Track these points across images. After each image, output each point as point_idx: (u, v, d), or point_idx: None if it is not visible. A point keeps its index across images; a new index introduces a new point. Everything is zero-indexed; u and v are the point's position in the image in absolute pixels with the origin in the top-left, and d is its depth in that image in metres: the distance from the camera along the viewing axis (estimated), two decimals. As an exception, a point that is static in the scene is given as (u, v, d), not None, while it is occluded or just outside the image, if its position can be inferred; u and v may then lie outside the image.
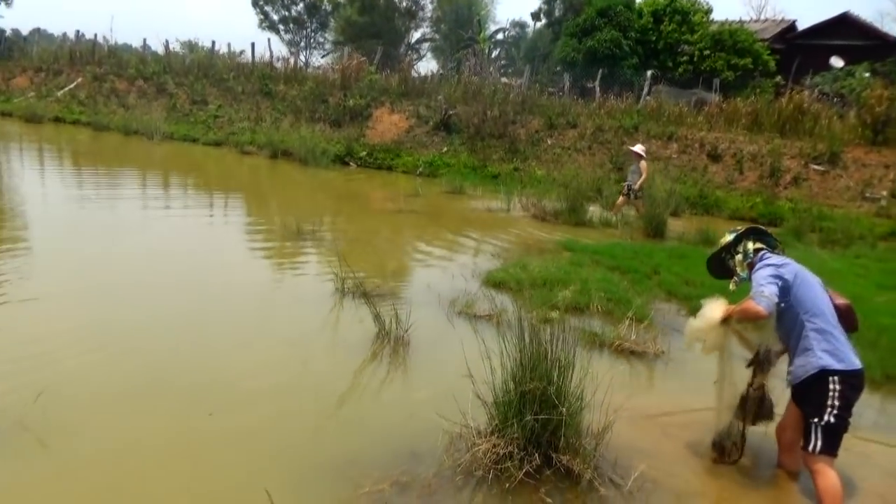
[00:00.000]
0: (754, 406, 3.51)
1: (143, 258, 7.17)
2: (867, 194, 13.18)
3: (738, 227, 3.80)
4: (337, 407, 4.07)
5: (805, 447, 3.27)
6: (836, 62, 24.18)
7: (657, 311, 6.22)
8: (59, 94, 23.86)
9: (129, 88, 23.23)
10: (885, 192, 13.08)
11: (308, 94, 20.00)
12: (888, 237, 11.20)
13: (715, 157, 14.96)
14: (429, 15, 43.58)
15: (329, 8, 43.60)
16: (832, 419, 3.18)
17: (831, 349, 3.23)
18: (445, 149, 17.27)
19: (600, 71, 22.40)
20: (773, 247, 3.65)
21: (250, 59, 23.84)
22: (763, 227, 3.75)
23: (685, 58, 25.87)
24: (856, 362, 3.24)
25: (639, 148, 11.47)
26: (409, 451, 3.51)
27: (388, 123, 18.52)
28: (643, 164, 11.18)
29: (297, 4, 44.28)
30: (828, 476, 3.16)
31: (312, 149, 16.05)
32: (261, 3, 44.15)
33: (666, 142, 15.70)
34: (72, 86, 24.15)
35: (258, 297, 6.18)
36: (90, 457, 3.31)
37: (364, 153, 17.11)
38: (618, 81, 23.77)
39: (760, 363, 3.48)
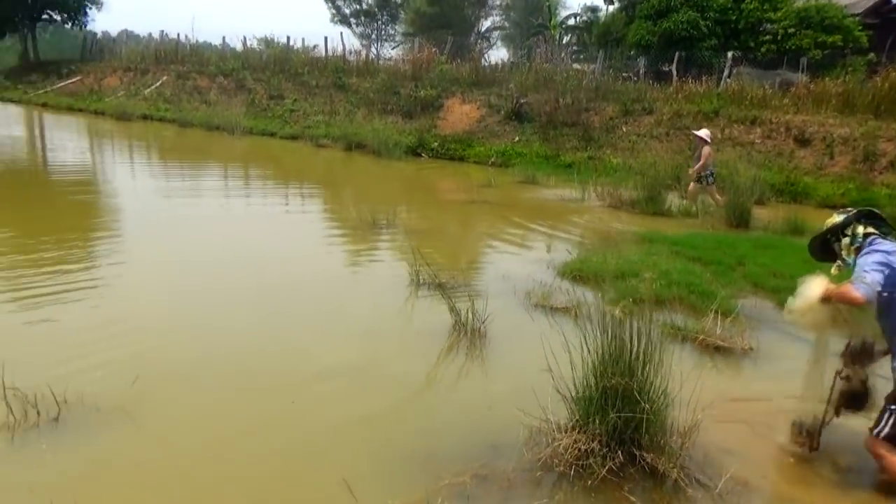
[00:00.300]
0: (840, 396, 3.35)
1: (225, 248, 7.45)
2: (975, 178, 12.21)
3: (850, 209, 3.55)
4: (415, 398, 4.10)
5: (872, 428, 3.19)
6: (939, 36, 22.47)
7: (743, 304, 5.96)
8: (146, 92, 25.04)
9: (211, 85, 24.13)
10: None
11: (380, 87, 20.21)
12: None
13: (802, 141, 14.18)
14: (498, 3, 43.25)
15: (399, 0, 43.90)
16: None
17: None
18: (517, 138, 17.10)
19: (677, 54, 21.61)
20: (885, 233, 3.37)
21: (324, 53, 24.31)
22: (877, 211, 3.49)
23: (768, 37, 24.56)
24: None
25: (703, 133, 11.02)
26: (489, 444, 3.49)
27: (459, 114, 18.49)
28: (706, 149, 10.73)
29: (368, -3, 44.85)
30: (886, 456, 3.10)
31: (385, 141, 16.24)
32: (333, -3, 44.94)
33: (749, 126, 15.00)
34: (157, 84, 25.30)
35: (334, 286, 6.30)
36: (180, 440, 3.47)
37: (436, 144, 17.16)
38: (696, 64, 22.86)
39: (852, 354, 3.33)
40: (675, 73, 20.41)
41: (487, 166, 15.43)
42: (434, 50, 22.19)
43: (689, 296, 6.00)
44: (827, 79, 16.68)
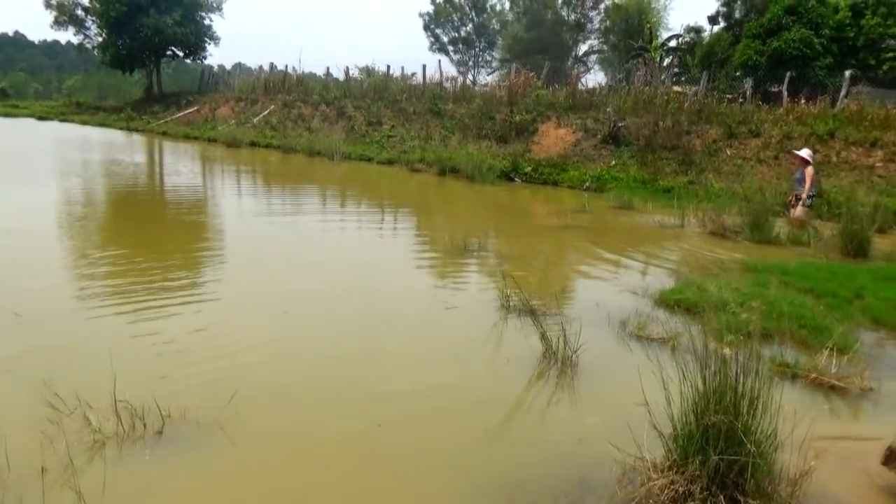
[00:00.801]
0: None
1: (321, 270, 7.67)
2: None
3: None
4: (502, 427, 4.00)
5: None
6: None
7: (863, 340, 5.47)
8: (255, 120, 26.50)
9: (314, 113, 25.24)
10: None
11: (475, 112, 20.42)
12: None
13: (931, 164, 13.06)
14: (597, 26, 42.89)
15: (497, 26, 44.44)
16: None
17: None
18: (614, 162, 16.74)
19: (788, 73, 20.54)
20: None
21: (421, 80, 24.90)
22: None
23: (891, 54, 22.97)
24: None
25: (805, 153, 10.37)
26: (578, 479, 3.34)
27: (554, 138, 18.35)
28: (809, 169, 10.10)
29: (466, 25, 45.69)
30: None
31: (479, 165, 16.34)
32: (432, 26, 46.10)
33: (869, 149, 13.98)
34: (265, 112, 26.73)
35: (424, 309, 6.31)
36: (272, 460, 3.52)
37: (529, 168, 17.08)
38: (808, 84, 21.66)
39: None
40: (785, 93, 19.38)
41: (582, 191, 15.18)
42: (531, 74, 22.21)
43: (799, 330, 5.57)
44: (959, 97, 15.34)
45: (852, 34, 23.72)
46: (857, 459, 3.60)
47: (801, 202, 10.12)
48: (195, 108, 30.80)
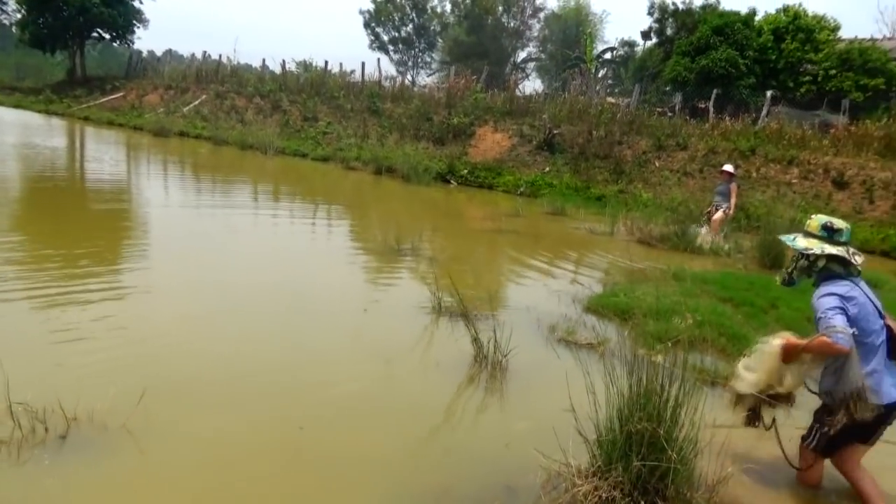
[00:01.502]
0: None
1: (247, 267, 7.42)
2: None
3: (828, 248, 3.40)
4: (429, 432, 3.94)
5: (803, 438, 3.53)
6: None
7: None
8: (185, 110, 25.58)
9: (248, 105, 24.58)
10: None
11: (413, 113, 20.37)
12: None
13: (841, 184, 13.85)
14: (535, 34, 43.64)
15: (437, 28, 44.53)
16: (832, 432, 3.34)
17: (870, 384, 3.23)
18: (548, 168, 17.01)
19: (714, 91, 21.41)
20: (841, 275, 3.38)
21: (360, 77, 24.64)
22: (849, 260, 3.38)
23: (808, 78, 24.27)
24: (890, 395, 3.24)
25: (730, 167, 10.92)
26: (504, 485, 3.32)
27: (490, 142, 18.50)
28: (734, 185, 10.68)
29: (406, 25, 45.57)
30: (810, 464, 3.49)
31: (415, 166, 16.29)
32: (372, 24, 45.76)
33: (786, 166, 14.72)
34: (196, 102, 25.85)
35: (353, 310, 6.19)
36: (185, 468, 3.35)
37: (465, 171, 17.15)
38: (732, 102, 22.64)
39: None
40: (711, 109, 20.20)
41: (516, 196, 15.36)
42: (472, 78, 22.32)
43: (718, 338, 5.76)
44: (868, 121, 16.34)
45: (774, 57, 24.93)
46: (774, 465, 3.73)
47: (725, 214, 10.61)
48: (121, 93, 29.45)
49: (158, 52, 44.90)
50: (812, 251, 3.41)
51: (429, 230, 11.11)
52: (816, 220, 3.50)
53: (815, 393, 3.54)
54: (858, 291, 3.31)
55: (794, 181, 14.34)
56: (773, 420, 3.61)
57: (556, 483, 3.26)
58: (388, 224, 11.01)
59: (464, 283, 7.40)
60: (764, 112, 18.60)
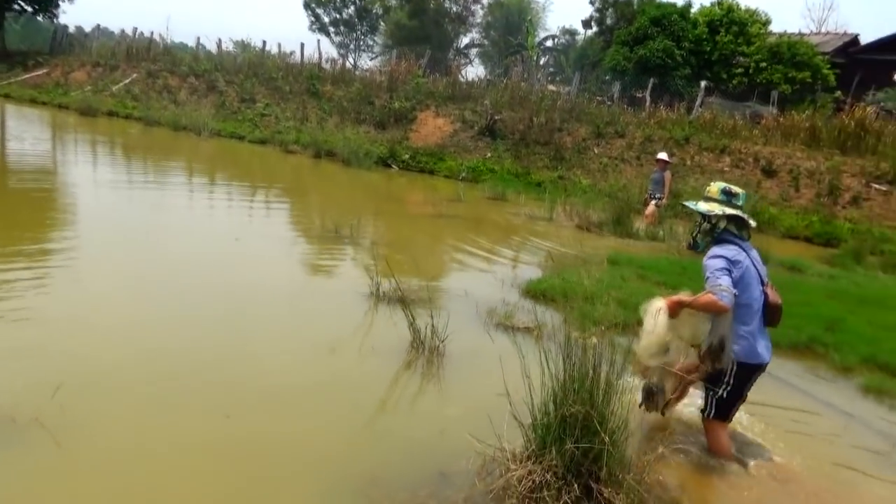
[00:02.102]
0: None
1: (179, 251, 7.15)
2: (933, 217, 12.46)
3: (728, 210, 3.64)
4: (364, 418, 3.86)
5: (702, 412, 3.75)
6: (901, 78, 23.16)
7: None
8: (115, 88, 24.43)
9: (181, 85, 23.66)
10: (952, 216, 12.34)
11: (354, 96, 20.03)
12: (956, 263, 10.53)
13: (769, 172, 14.38)
14: (478, 20, 43.58)
15: (379, 11, 43.90)
16: (725, 395, 3.59)
17: (746, 345, 3.52)
18: (489, 154, 17.04)
19: (651, 80, 21.86)
20: (739, 238, 3.64)
21: (299, 59, 24.05)
22: (745, 218, 3.67)
23: (740, 70, 25.09)
24: (762, 357, 3.57)
25: (665, 155, 11.18)
26: (438, 472, 3.28)
27: (432, 127, 18.39)
28: (668, 173, 10.95)
29: (347, 7, 44.74)
30: (718, 437, 3.68)
31: (356, 150, 16.03)
32: (312, 5, 44.73)
33: (718, 155, 15.18)
34: (127, 81, 24.72)
35: (290, 296, 6.04)
36: (102, 458, 3.18)
37: (407, 156, 17.00)
38: (669, 91, 23.17)
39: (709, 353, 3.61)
40: (648, 99, 20.63)
41: (458, 181, 15.32)
42: (416, 62, 22.07)
43: (653, 321, 5.88)
44: (795, 113, 17.01)
45: (708, 48, 25.64)
46: (704, 446, 3.81)
47: (657, 202, 10.87)
48: (45, 70, 27.84)
49: (87, 28, 42.55)
50: (714, 213, 3.62)
51: (369, 215, 10.95)
52: (716, 186, 3.74)
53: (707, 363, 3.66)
54: (745, 256, 3.55)
55: (726, 169, 14.79)
56: (667, 403, 3.82)
57: (490, 468, 3.24)
58: (328, 209, 10.82)
59: (403, 268, 7.31)
60: (698, 102, 19.09)
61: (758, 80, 24.23)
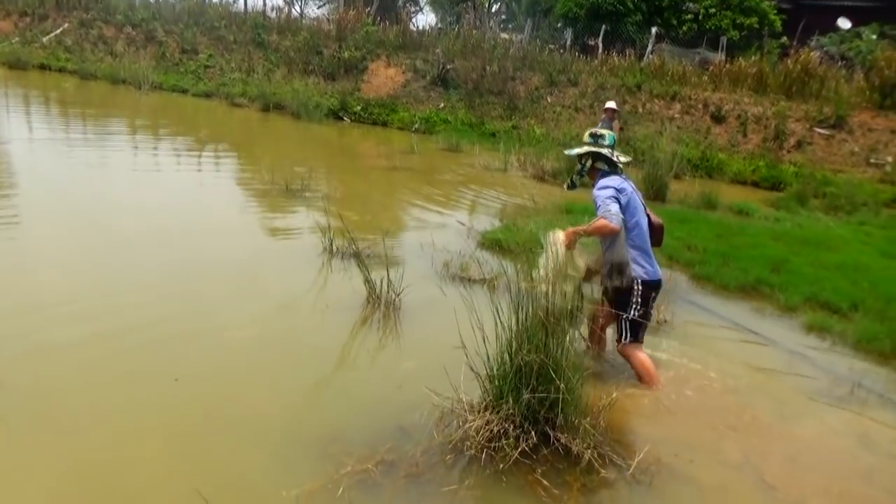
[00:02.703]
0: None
1: (127, 210, 6.89)
2: (872, 160, 12.85)
3: (594, 149, 4.01)
4: (320, 375, 3.84)
5: (618, 340, 3.96)
6: (844, 23, 23.49)
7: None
8: (45, 39, 23.08)
9: (117, 35, 22.49)
10: (890, 158, 12.74)
11: (302, 45, 19.36)
12: (892, 204, 10.94)
13: (718, 118, 14.57)
14: (428, -34, 42.28)
15: (325, -44, 42.23)
16: (636, 315, 3.84)
17: (643, 263, 3.89)
18: (442, 105, 16.80)
19: (603, 27, 21.72)
20: (608, 171, 4.02)
21: (243, 7, 23.06)
22: (607, 155, 4.00)
23: (690, 16, 25.06)
24: (657, 273, 3.96)
25: (613, 104, 11.06)
26: (396, 426, 3.29)
27: (384, 77, 17.98)
28: (616, 123, 10.86)
29: (291, -48, 42.87)
30: (638, 357, 3.90)
31: (305, 102, 15.59)
32: (254, -51, 42.71)
33: (669, 101, 15.28)
34: (58, 31, 23.36)
35: (242, 254, 5.91)
36: (50, 430, 3.08)
37: (359, 108, 16.63)
38: (621, 39, 23.07)
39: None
40: (600, 46, 20.51)
41: (411, 132, 15.11)
42: (366, 10, 21.37)
43: (605, 268, 5.96)
44: (742, 59, 17.16)
45: (659, -6, 25.53)
46: (656, 389, 3.91)
47: None
48: (-34, 20, 26.13)
49: (9, -26, 39.92)
50: (583, 153, 4.04)
51: (321, 169, 10.74)
52: (586, 132, 4.15)
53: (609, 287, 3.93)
54: (628, 185, 3.95)
55: (676, 116, 14.93)
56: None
57: (448, 420, 3.27)
58: (278, 164, 10.54)
59: (358, 222, 7.22)
60: (649, 49, 19.08)
61: (707, 27, 24.27)
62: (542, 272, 3.89)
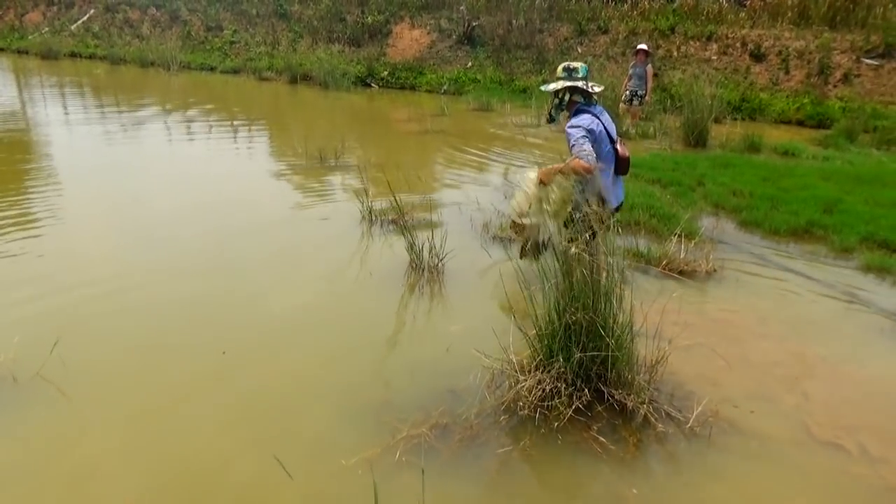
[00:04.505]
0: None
1: (167, 186, 7.03)
2: (926, 88, 12.21)
3: (569, 83, 4.12)
4: (368, 343, 3.84)
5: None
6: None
7: (705, 225, 5.83)
8: (73, 27, 23.37)
9: (142, 18, 22.62)
10: (945, 86, 12.10)
11: (324, 13, 19.17)
12: (949, 134, 10.41)
13: (758, 56, 13.96)
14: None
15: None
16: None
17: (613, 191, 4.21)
18: (470, 64, 16.49)
19: (632, -31, 20.90)
20: (586, 104, 4.16)
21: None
22: (584, 88, 4.13)
23: (723, -51, 23.97)
24: (621, 198, 4.38)
25: (645, 46, 10.63)
26: (448, 390, 3.29)
27: (408, 40, 17.70)
28: (650, 67, 10.43)
29: (307, -83, 42.21)
30: None
31: (332, 71, 15.50)
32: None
33: (705, 43, 14.69)
34: (84, 18, 23.62)
35: (282, 225, 5.93)
36: (109, 406, 3.16)
37: (385, 73, 16.46)
38: (650, -20, 22.21)
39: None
40: (629, -11, 19.78)
41: (440, 94, 14.92)
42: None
43: (650, 220, 5.83)
44: (782, -10, 16.35)
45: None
46: (708, 338, 3.83)
47: (635, 99, 10.42)
48: (-3, 14, 26.55)
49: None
50: (558, 88, 4.14)
51: (353, 137, 10.69)
52: (560, 66, 4.22)
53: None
54: (597, 122, 4.06)
55: (713, 57, 14.37)
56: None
57: (499, 381, 3.25)
58: (311, 135, 10.53)
59: (393, 188, 7.17)
60: (682, -12, 18.33)
61: (742, -41, 23.20)
62: (515, 209, 4.27)
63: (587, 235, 3.60)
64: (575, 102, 4.17)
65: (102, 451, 2.86)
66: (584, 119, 4.04)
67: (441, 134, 10.54)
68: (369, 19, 18.10)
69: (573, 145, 3.94)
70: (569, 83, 4.12)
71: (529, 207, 4.22)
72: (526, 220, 4.21)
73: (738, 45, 14.31)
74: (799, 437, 3.02)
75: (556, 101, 4.23)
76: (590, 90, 4.15)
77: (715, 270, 4.84)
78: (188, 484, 2.68)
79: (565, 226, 4.02)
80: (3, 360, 3.28)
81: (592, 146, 3.93)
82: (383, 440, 2.88)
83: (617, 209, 4.32)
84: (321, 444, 2.92)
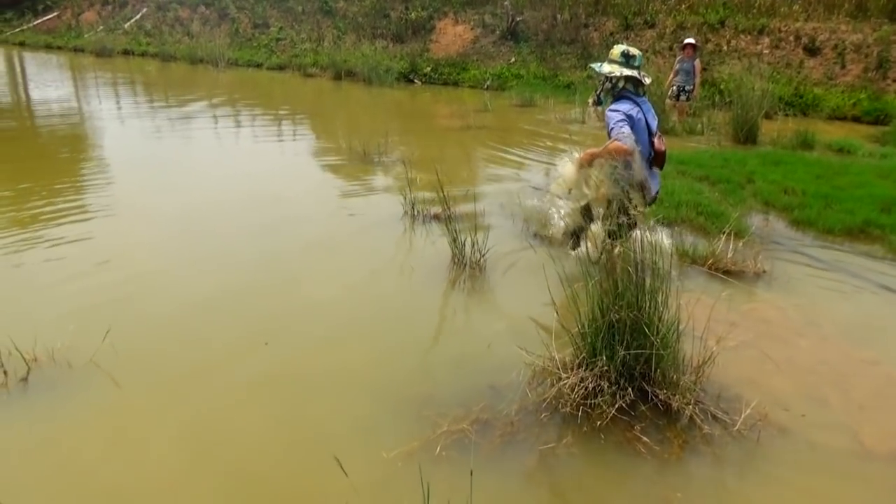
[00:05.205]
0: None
1: (213, 184, 7.17)
2: None
3: (626, 71, 4.14)
4: (410, 338, 3.86)
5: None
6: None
7: (755, 223, 5.68)
8: (126, 26, 24.09)
9: (192, 16, 23.18)
10: None
11: (369, 10, 19.33)
12: None
13: (812, 50, 13.52)
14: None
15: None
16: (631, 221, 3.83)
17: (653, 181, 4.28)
18: (513, 59, 16.41)
19: (680, -38, 20.46)
20: (634, 94, 4.18)
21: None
22: (639, 78, 4.15)
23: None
24: (655, 188, 4.35)
25: (693, 40, 10.38)
26: (489, 386, 3.27)
27: (452, 35, 17.71)
28: (698, 62, 10.19)
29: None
30: None
31: (375, 67, 15.62)
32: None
33: (756, 36, 14.30)
34: (137, 17, 24.31)
35: (326, 222, 6.00)
36: (160, 393, 3.24)
37: (428, 69, 16.49)
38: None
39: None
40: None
41: (483, 90, 14.88)
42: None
43: (697, 217, 5.71)
44: (839, -19, 15.78)
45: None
46: (756, 339, 3.73)
47: (683, 95, 10.23)
48: (55, 13, 27.49)
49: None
50: (614, 74, 4.13)
51: (396, 133, 10.74)
52: (617, 49, 4.19)
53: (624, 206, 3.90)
54: (638, 110, 4.09)
55: (765, 51, 13.98)
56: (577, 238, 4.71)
57: (541, 379, 3.22)
58: (355, 129, 10.63)
59: (437, 184, 7.18)
60: (732, -19, 17.86)
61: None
62: (556, 187, 4.42)
63: (627, 224, 3.64)
64: (625, 91, 4.16)
65: (152, 436, 2.94)
66: (625, 105, 4.07)
67: (484, 130, 10.51)
68: (413, 15, 18.17)
69: (612, 128, 3.94)
70: (626, 71, 4.11)
71: (570, 191, 4.29)
72: (566, 199, 4.34)
73: (791, 38, 13.90)
74: (855, 447, 2.91)
75: (609, 85, 4.19)
76: (643, 80, 4.16)
77: (764, 271, 4.71)
78: (233, 469, 2.73)
79: (607, 212, 4.08)
80: (59, 346, 3.40)
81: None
82: (424, 434, 2.89)
83: (652, 200, 4.36)
84: (363, 435, 2.93)
